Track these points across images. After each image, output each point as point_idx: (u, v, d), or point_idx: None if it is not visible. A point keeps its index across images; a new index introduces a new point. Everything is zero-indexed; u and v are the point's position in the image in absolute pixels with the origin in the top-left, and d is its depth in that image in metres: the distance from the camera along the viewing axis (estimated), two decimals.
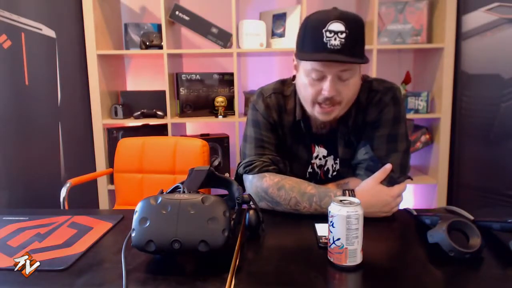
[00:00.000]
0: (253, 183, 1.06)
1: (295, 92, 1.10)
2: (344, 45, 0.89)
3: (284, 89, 1.14)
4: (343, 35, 0.88)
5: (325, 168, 1.12)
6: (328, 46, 0.89)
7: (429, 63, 2.20)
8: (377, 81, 1.08)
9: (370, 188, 0.99)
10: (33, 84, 2.00)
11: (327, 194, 0.98)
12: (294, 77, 1.08)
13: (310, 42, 0.93)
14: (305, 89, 1.00)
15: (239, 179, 1.14)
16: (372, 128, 1.05)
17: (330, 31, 0.89)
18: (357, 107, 1.07)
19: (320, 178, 1.15)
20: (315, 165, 1.13)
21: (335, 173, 1.13)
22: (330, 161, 1.12)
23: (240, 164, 1.12)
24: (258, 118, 1.12)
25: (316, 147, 1.12)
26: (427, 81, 2.22)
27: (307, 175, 1.15)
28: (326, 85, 0.94)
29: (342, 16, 0.89)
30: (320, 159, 1.12)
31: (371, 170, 1.03)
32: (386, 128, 1.04)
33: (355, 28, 0.91)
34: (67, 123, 2.08)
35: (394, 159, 1.03)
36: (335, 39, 0.89)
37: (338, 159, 1.11)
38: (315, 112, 1.01)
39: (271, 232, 0.93)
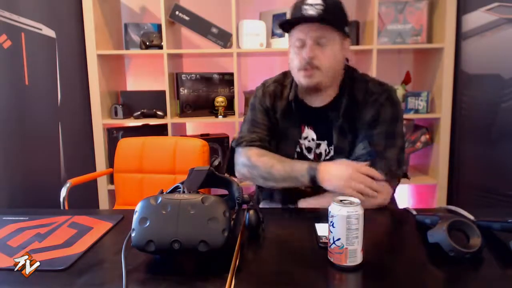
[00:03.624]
0: (240, 152, 1.20)
1: (291, 81, 1.21)
2: (321, 14, 1.03)
3: (285, 79, 1.25)
4: (319, 7, 1.02)
5: (318, 152, 1.17)
6: (306, 15, 1.04)
7: (429, 63, 2.20)
8: (373, 82, 1.16)
9: (337, 162, 1.07)
10: (33, 84, 2.00)
11: (300, 165, 1.08)
12: None
13: (292, 16, 1.09)
14: (292, 61, 1.13)
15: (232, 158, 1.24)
16: (370, 127, 1.10)
17: (308, 4, 1.04)
18: (351, 100, 1.13)
19: (314, 160, 1.18)
20: (303, 146, 1.19)
21: (327, 157, 1.17)
22: (323, 146, 1.17)
23: (233, 140, 1.23)
24: (255, 103, 1.25)
25: (306, 128, 1.19)
26: (427, 81, 2.21)
27: (295, 155, 1.19)
28: (305, 49, 1.07)
29: None
30: (309, 141, 1.18)
31: (371, 165, 1.06)
32: (384, 126, 1.09)
33: (331, 3, 1.05)
34: (67, 123, 2.07)
35: (391, 153, 1.08)
36: (312, 10, 1.03)
37: (332, 146, 1.15)
38: (300, 78, 1.11)
39: (271, 232, 0.93)
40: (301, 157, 1.20)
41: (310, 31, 1.06)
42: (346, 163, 1.06)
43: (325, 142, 1.17)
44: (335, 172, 1.03)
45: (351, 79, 1.16)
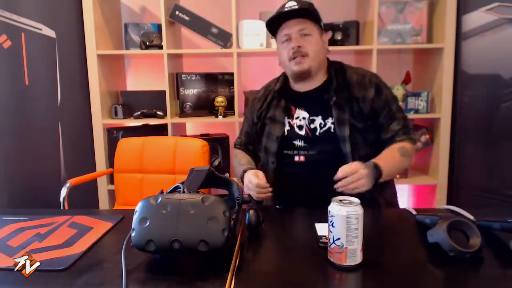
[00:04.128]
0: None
1: (276, 80, 1.41)
2: (296, 9, 1.22)
3: (272, 82, 1.43)
4: (295, 5, 1.22)
5: (312, 127, 1.30)
6: (284, 12, 1.24)
7: (429, 63, 2.20)
8: (360, 68, 1.36)
9: (250, 172, 1.24)
10: (33, 84, 1.99)
11: (241, 170, 1.29)
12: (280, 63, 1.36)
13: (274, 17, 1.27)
14: (282, 54, 1.29)
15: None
16: (387, 106, 1.29)
17: (286, 7, 1.24)
18: (342, 81, 1.30)
19: (307, 134, 1.29)
20: (295, 125, 1.32)
21: (323, 129, 1.29)
22: (318, 121, 1.30)
23: None
24: (246, 113, 1.53)
25: (297, 109, 1.33)
26: (427, 81, 2.21)
27: (286, 133, 1.32)
28: (292, 41, 1.25)
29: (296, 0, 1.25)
30: (300, 120, 1.32)
31: (406, 133, 1.29)
32: (395, 104, 1.31)
33: (304, 2, 1.25)
34: (67, 123, 2.07)
35: (410, 124, 1.33)
36: (288, 9, 1.23)
37: (329, 118, 1.28)
38: (292, 66, 1.27)
39: (271, 232, 0.93)
40: (292, 134, 1.31)
41: (293, 26, 1.25)
42: (249, 175, 1.21)
43: (319, 117, 1.29)
44: (244, 181, 1.24)
45: (340, 68, 1.34)
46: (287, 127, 1.32)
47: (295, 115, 1.32)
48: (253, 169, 1.25)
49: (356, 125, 1.25)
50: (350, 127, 1.24)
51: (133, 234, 0.74)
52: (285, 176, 1.30)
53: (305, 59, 1.25)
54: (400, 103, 2.05)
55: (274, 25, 1.30)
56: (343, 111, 1.26)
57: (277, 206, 1.36)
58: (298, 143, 1.29)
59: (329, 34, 1.37)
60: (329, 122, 1.28)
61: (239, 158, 1.40)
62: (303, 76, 1.29)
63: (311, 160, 1.27)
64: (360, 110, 1.27)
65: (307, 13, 1.24)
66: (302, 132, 1.30)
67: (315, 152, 1.27)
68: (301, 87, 1.34)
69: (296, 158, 1.29)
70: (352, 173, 1.07)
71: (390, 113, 1.29)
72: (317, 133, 1.28)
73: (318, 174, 1.24)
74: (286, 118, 1.33)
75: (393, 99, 1.32)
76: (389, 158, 1.23)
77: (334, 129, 1.26)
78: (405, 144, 1.27)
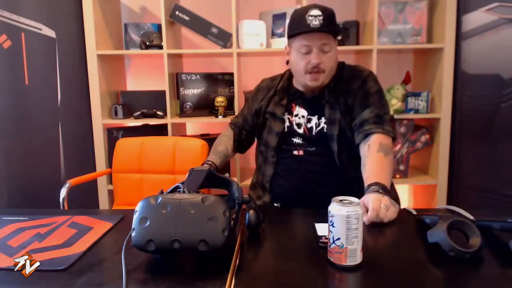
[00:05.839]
0: None
1: (281, 76, 1.44)
2: (322, 24, 1.21)
3: (278, 77, 1.47)
4: (321, 18, 1.21)
5: (309, 126, 1.33)
6: (311, 25, 1.21)
7: (429, 63, 2.20)
8: (357, 66, 1.38)
9: None
10: (33, 84, 1.99)
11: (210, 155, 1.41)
12: (287, 62, 1.35)
13: (298, 25, 1.24)
14: (297, 63, 1.28)
15: None
16: (365, 97, 1.28)
17: (311, 16, 1.21)
18: (337, 80, 1.32)
19: (305, 133, 1.34)
20: (294, 122, 1.36)
21: (318, 129, 1.32)
22: (314, 120, 1.33)
23: None
24: (249, 97, 1.54)
25: (297, 107, 1.37)
26: (427, 81, 2.21)
27: (285, 129, 1.36)
28: (313, 55, 1.24)
29: (318, 6, 1.24)
30: (299, 118, 1.35)
31: (378, 123, 1.24)
32: (376, 96, 1.29)
33: (328, 14, 1.24)
34: (67, 123, 2.07)
35: (388, 117, 1.28)
36: (315, 21, 1.21)
37: (323, 118, 1.31)
38: (307, 80, 1.28)
39: (271, 232, 0.93)
40: (291, 131, 1.35)
41: (316, 40, 1.23)
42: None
43: (316, 116, 1.33)
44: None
45: (340, 68, 1.36)
46: (287, 123, 1.36)
47: (295, 112, 1.37)
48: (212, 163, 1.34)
49: (345, 122, 1.27)
50: (340, 127, 1.27)
51: (133, 234, 0.74)
52: (284, 166, 1.34)
53: (321, 75, 1.27)
54: (400, 103, 2.10)
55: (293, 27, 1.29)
56: (335, 110, 1.29)
57: (275, 204, 1.36)
58: (296, 140, 1.34)
59: (340, 37, 1.40)
60: (323, 121, 1.31)
61: (218, 143, 1.46)
62: (315, 90, 1.32)
63: (309, 154, 1.31)
64: (346, 104, 1.28)
65: (331, 29, 1.25)
66: (301, 131, 1.34)
67: (313, 149, 1.31)
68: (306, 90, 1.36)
69: (295, 152, 1.33)
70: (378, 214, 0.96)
71: (366, 101, 1.27)
72: (313, 133, 1.32)
73: (315, 168, 1.29)
74: (286, 114, 1.37)
75: (377, 93, 1.29)
76: (380, 166, 1.15)
77: (326, 128, 1.30)
78: (380, 139, 1.20)
